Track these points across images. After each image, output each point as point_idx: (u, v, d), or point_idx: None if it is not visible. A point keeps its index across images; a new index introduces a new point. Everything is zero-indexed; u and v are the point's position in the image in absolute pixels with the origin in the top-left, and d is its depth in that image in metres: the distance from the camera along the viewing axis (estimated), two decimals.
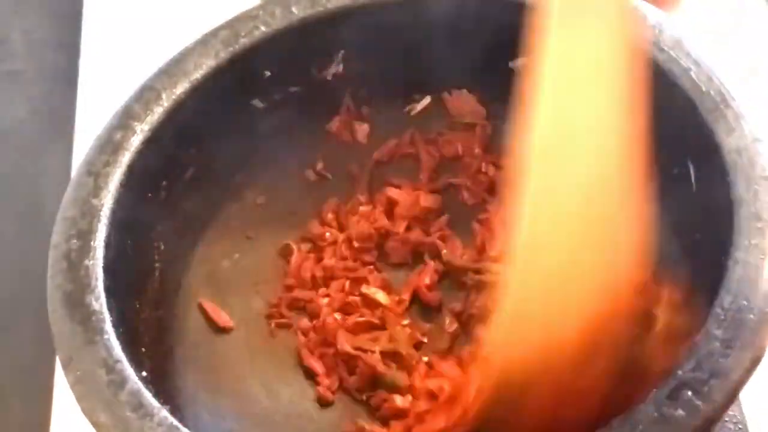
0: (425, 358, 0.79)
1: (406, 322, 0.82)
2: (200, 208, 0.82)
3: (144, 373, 0.63)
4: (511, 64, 0.82)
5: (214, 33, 0.80)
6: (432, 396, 0.74)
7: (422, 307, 0.84)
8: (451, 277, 0.84)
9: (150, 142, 0.75)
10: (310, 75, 0.84)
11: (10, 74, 1.20)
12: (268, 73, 0.82)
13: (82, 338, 0.64)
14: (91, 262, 0.68)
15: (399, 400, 0.77)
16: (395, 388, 0.78)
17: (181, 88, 0.78)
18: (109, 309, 0.66)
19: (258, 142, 0.84)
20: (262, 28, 0.80)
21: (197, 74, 0.78)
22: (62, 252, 0.69)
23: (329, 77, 0.84)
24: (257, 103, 0.83)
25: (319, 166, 0.88)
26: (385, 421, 0.77)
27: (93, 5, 1.18)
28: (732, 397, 0.57)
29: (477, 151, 0.87)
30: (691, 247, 0.72)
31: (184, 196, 0.80)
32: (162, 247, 0.78)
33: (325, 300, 0.83)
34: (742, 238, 0.62)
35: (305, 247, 0.86)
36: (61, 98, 1.11)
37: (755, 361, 0.57)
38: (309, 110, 0.85)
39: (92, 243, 0.69)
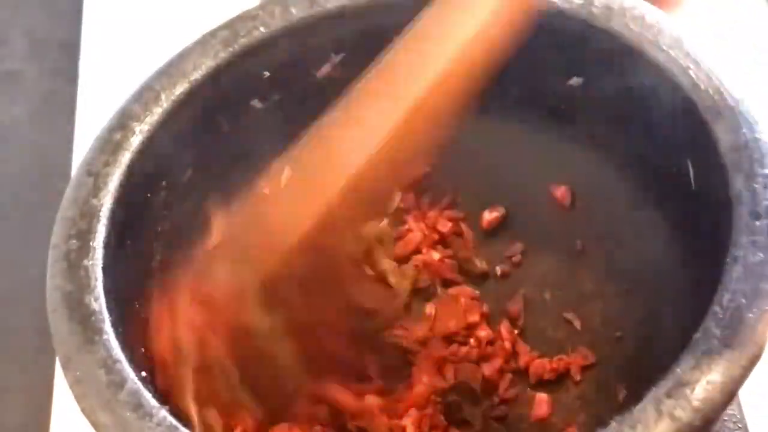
0: None
1: None
2: (200, 208, 0.82)
3: (144, 374, 0.64)
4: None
5: (213, 33, 0.80)
6: None
7: None
8: None
9: (149, 142, 0.75)
10: (310, 76, 0.84)
11: (10, 74, 1.20)
12: (267, 74, 0.82)
13: (81, 338, 0.64)
14: (91, 262, 0.68)
15: None
16: None
17: (181, 88, 0.78)
18: (109, 309, 0.66)
19: (257, 143, 0.84)
20: (262, 29, 0.80)
21: (196, 75, 0.78)
22: (62, 252, 0.69)
23: (329, 78, 0.84)
24: (256, 103, 0.83)
25: None
26: None
27: (93, 5, 1.18)
28: (731, 395, 0.57)
29: None
30: (690, 245, 0.73)
31: (183, 196, 0.80)
32: (161, 248, 0.78)
33: None
34: (741, 235, 0.62)
35: None
36: (61, 98, 1.11)
37: (754, 360, 0.57)
38: (308, 111, 0.85)
39: (92, 243, 0.69)
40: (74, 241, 0.69)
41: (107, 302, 0.66)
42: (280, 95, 0.83)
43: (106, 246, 0.70)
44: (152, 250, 0.77)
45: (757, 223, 0.63)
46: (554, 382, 0.80)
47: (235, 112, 0.82)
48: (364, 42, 0.82)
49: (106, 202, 0.72)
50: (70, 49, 1.14)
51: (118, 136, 0.75)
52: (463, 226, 0.89)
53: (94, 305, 0.66)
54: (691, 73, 0.71)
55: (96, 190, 0.72)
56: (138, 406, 0.60)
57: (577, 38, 0.77)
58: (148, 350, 0.70)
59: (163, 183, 0.78)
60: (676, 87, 0.71)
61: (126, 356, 0.63)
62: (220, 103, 0.81)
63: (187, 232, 0.80)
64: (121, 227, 0.72)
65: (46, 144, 1.12)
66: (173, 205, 0.79)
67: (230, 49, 0.79)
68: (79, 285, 0.67)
